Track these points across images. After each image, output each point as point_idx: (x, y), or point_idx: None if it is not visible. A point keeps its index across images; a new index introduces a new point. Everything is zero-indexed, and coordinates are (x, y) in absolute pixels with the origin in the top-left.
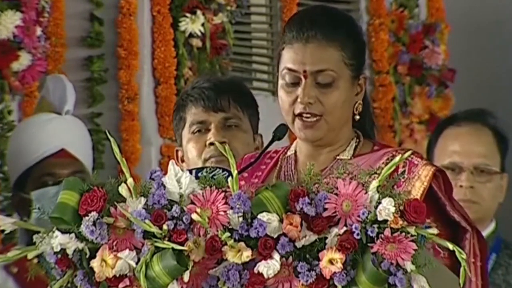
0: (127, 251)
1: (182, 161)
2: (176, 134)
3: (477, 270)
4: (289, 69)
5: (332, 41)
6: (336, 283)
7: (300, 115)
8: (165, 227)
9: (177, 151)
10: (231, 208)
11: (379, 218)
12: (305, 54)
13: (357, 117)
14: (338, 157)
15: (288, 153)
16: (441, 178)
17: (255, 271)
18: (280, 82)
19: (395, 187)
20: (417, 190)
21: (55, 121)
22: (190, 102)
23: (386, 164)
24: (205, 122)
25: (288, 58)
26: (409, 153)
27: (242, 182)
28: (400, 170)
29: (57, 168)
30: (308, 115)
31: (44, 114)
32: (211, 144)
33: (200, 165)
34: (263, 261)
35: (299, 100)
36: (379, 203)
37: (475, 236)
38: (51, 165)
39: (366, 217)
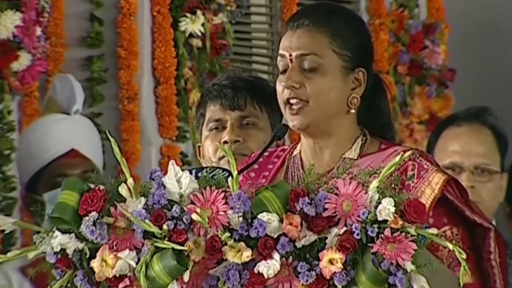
0: (127, 251)
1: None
2: (198, 130)
3: (499, 268)
4: (280, 55)
5: (320, 27)
6: (336, 283)
7: (288, 102)
8: (165, 227)
9: (199, 147)
10: (231, 208)
11: (379, 218)
12: (293, 39)
13: (352, 111)
14: (344, 156)
15: (295, 153)
16: (454, 184)
17: (255, 271)
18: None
19: (404, 190)
20: (427, 197)
21: (65, 121)
22: (209, 99)
23: None
24: (221, 120)
25: (280, 45)
26: (408, 153)
27: (249, 182)
28: (409, 173)
29: (68, 168)
30: (294, 101)
31: (54, 114)
32: (225, 142)
33: (215, 163)
34: (263, 261)
35: (283, 84)
36: (379, 203)
37: (495, 234)
38: (62, 166)
39: (366, 217)
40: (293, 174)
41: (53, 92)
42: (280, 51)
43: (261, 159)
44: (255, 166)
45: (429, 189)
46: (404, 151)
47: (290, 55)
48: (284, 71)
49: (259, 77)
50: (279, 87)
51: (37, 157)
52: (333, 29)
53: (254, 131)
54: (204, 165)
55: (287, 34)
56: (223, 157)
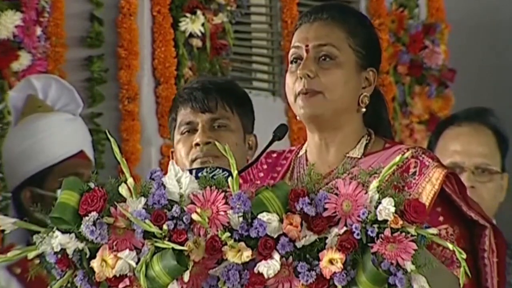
0: (127, 251)
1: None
2: (171, 135)
3: (492, 266)
4: (294, 47)
5: (338, 22)
6: (336, 283)
7: (300, 94)
8: (165, 227)
9: (172, 152)
10: (231, 208)
11: (379, 218)
12: (310, 31)
13: (363, 109)
14: (348, 155)
15: (300, 153)
16: (453, 179)
17: (255, 271)
18: (289, 66)
19: (405, 188)
20: (427, 193)
21: (75, 122)
22: (180, 103)
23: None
24: (192, 123)
25: (294, 38)
26: (409, 152)
27: (258, 182)
28: (411, 170)
29: (82, 168)
30: (307, 92)
31: (60, 113)
32: (197, 144)
33: (188, 165)
34: (263, 261)
35: (298, 72)
36: (379, 203)
37: (492, 232)
38: (76, 165)
39: (366, 217)
40: (298, 175)
41: (30, 91)
42: (295, 43)
43: (270, 160)
44: (264, 166)
45: (429, 185)
46: (408, 148)
47: (307, 45)
48: (296, 60)
49: (230, 79)
50: (290, 78)
51: (47, 153)
52: (349, 26)
53: (226, 133)
54: None
55: (303, 27)
56: (195, 159)
